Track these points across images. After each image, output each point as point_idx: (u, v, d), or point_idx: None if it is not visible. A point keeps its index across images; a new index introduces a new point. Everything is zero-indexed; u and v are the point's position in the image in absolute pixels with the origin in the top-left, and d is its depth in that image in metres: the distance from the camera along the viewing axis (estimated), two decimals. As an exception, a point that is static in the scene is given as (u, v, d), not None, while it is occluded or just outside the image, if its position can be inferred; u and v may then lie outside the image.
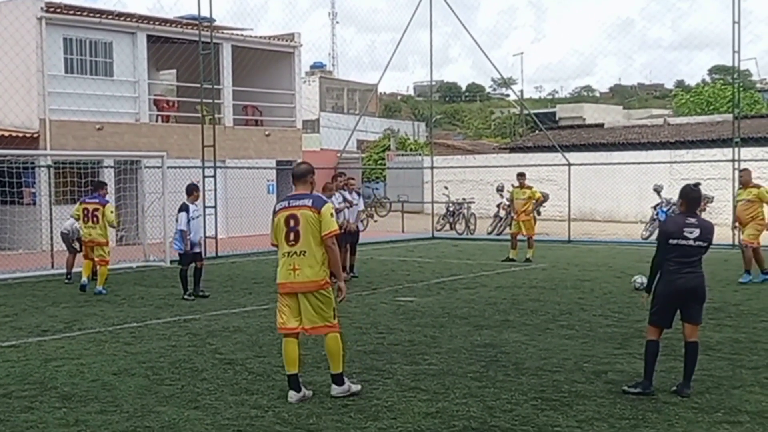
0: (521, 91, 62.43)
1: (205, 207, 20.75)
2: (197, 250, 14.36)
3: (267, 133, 30.10)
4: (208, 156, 21.95)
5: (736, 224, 15.45)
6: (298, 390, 7.48)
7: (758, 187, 15.29)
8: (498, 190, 28.08)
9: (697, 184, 7.85)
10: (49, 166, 21.52)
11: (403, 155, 44.92)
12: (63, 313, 12.71)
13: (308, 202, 7.51)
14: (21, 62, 23.94)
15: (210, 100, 23.68)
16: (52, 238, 19.16)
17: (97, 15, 25.74)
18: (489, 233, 27.74)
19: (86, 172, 22.25)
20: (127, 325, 11.52)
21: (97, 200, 15.34)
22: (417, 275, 17.08)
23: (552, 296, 13.77)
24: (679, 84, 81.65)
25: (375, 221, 32.24)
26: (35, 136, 23.95)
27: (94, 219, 15.14)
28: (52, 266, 18.19)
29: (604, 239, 24.92)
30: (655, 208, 25.80)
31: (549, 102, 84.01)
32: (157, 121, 27.95)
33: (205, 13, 23.07)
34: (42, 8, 24.10)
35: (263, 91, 30.45)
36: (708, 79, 73.11)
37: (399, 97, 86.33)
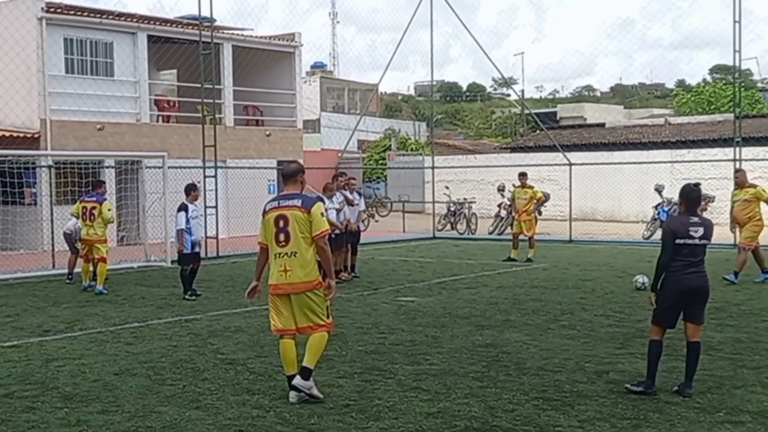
0: (522, 91, 62.45)
1: (206, 207, 20.78)
2: (197, 250, 14.41)
3: (268, 133, 30.10)
4: (208, 156, 21.95)
5: (734, 225, 15.35)
6: (299, 390, 7.48)
7: (754, 186, 15.27)
8: (499, 189, 28.06)
9: (697, 184, 7.85)
10: (49, 167, 21.52)
11: (404, 155, 44.92)
12: (64, 313, 12.72)
13: (298, 202, 7.45)
14: (21, 62, 23.94)
15: (211, 100, 23.69)
16: (53, 239, 19.17)
17: (98, 15, 25.74)
18: (490, 233, 27.73)
19: (87, 173, 22.24)
20: (129, 325, 11.52)
21: (94, 199, 15.46)
22: (418, 275, 17.08)
23: (553, 296, 13.77)
24: (680, 83, 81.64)
25: (376, 221, 32.25)
26: (36, 136, 23.96)
27: (92, 217, 15.29)
28: (53, 266, 18.20)
29: (606, 239, 24.91)
30: (656, 207, 25.78)
31: (550, 102, 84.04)
32: (157, 121, 27.96)
33: (205, 13, 23.09)
34: (42, 8, 24.10)
35: (264, 91, 30.45)
36: (709, 78, 73.13)
37: (400, 97, 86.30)
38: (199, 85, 23.02)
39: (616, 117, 53.33)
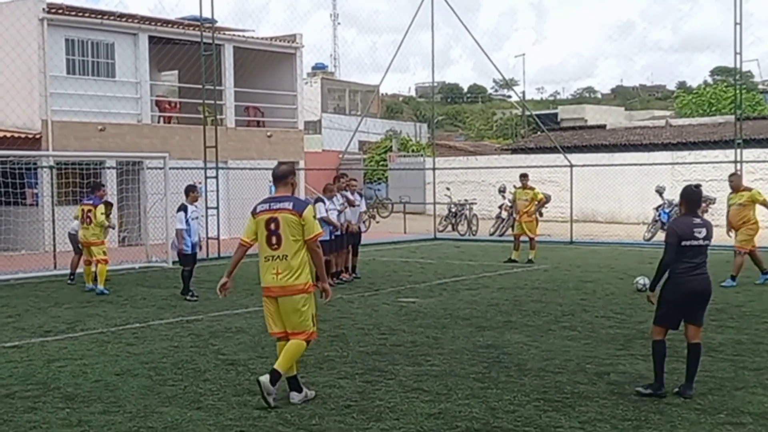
0: (523, 93, 62.50)
1: (207, 208, 20.81)
2: (195, 251, 14.49)
3: (269, 134, 30.11)
4: (210, 157, 21.96)
5: (730, 229, 15.30)
6: (299, 390, 7.48)
7: (749, 189, 15.26)
8: (500, 191, 28.09)
9: (698, 185, 7.86)
10: (51, 167, 21.53)
11: (405, 156, 44.93)
12: (66, 313, 12.72)
13: (289, 205, 7.40)
14: (23, 63, 23.96)
15: (212, 101, 23.70)
16: (54, 239, 19.18)
17: (99, 16, 25.75)
18: (491, 234, 27.72)
19: (88, 173, 22.25)
20: (130, 326, 11.53)
21: (91, 202, 15.60)
22: (419, 276, 17.08)
23: (554, 297, 13.77)
24: (681, 85, 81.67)
25: (377, 222, 32.25)
26: (37, 136, 23.97)
27: (88, 220, 15.44)
28: (55, 267, 18.21)
29: (606, 240, 24.91)
30: (657, 209, 25.81)
31: (551, 103, 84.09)
32: (159, 122, 27.97)
33: (206, 14, 23.13)
34: (44, 9, 24.12)
35: (265, 92, 30.46)
36: (710, 80, 73.14)
37: (401, 99, 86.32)
38: (200, 86, 23.03)
39: (616, 118, 53.34)
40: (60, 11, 24.76)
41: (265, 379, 7.23)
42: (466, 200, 30.81)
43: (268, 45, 30.78)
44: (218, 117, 26.37)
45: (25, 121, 24.18)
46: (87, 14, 25.60)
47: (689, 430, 6.62)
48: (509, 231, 24.64)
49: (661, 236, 21.53)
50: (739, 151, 22.80)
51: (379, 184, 43.36)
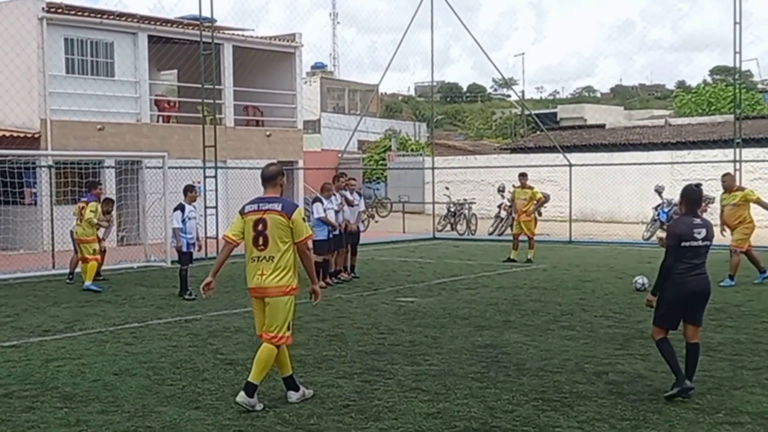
0: (522, 92, 62.47)
1: (206, 207, 20.80)
2: (191, 250, 14.61)
3: (268, 133, 30.10)
4: (209, 156, 21.94)
5: (724, 228, 15.27)
6: (296, 389, 7.48)
7: (742, 189, 15.26)
8: (499, 190, 28.07)
9: (698, 185, 7.84)
10: (50, 167, 21.52)
11: (404, 156, 44.91)
12: (64, 313, 12.72)
13: (278, 206, 7.33)
14: (22, 62, 23.95)
15: (211, 101, 23.68)
16: (53, 239, 19.18)
17: (98, 15, 25.74)
18: (490, 234, 27.72)
19: (87, 173, 22.22)
20: (128, 326, 11.52)
21: (85, 199, 15.82)
22: (418, 276, 17.08)
23: (553, 297, 13.77)
24: (680, 85, 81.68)
25: (376, 222, 32.24)
26: (36, 136, 23.96)
27: (81, 217, 15.64)
28: (53, 266, 18.21)
29: (606, 240, 24.91)
30: (656, 208, 25.80)
31: (550, 103, 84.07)
32: (158, 121, 27.96)
33: (206, 13, 23.09)
34: (43, 8, 24.10)
35: (264, 92, 30.45)
36: (709, 79, 73.13)
37: (400, 98, 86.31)
38: (199, 86, 23.01)
39: (616, 118, 53.32)
40: (59, 10, 24.74)
41: (241, 398, 7.16)
42: (465, 200, 30.82)
43: (267, 44, 30.78)
44: (217, 116, 26.36)
45: (24, 120, 24.17)
46: (86, 13, 25.59)
47: (688, 429, 6.62)
48: (508, 230, 24.62)
49: (659, 236, 21.53)
50: (738, 150, 22.81)
51: (378, 183, 43.36)
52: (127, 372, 8.66)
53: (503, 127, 67.18)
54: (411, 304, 13.14)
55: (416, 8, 27.58)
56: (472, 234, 28.59)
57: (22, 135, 23.50)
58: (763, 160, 27.18)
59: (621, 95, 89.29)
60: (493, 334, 10.54)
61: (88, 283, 15.10)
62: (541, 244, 21.15)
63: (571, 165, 26.03)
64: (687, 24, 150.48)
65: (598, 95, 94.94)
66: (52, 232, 19.25)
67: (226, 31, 29.42)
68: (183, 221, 14.36)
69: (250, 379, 7.23)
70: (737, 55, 22.91)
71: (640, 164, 29.13)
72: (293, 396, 7.44)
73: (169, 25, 27.80)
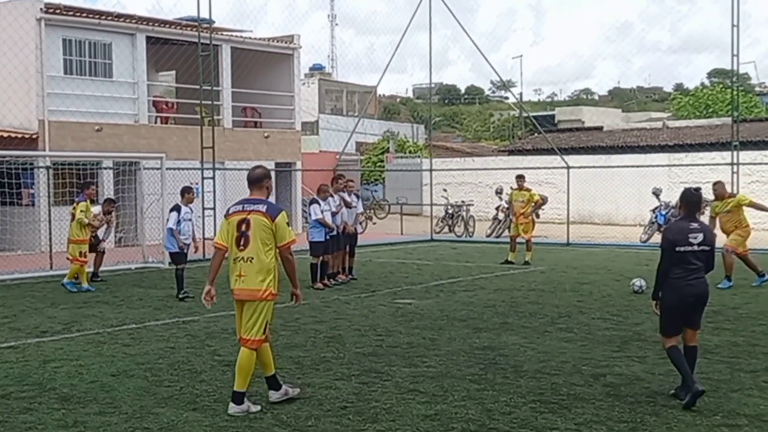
0: (520, 94, 62.60)
1: (203, 209, 20.79)
2: (186, 251, 14.67)
3: (266, 134, 30.10)
4: (207, 157, 21.95)
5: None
6: (278, 388, 7.45)
7: (733, 195, 15.30)
8: (497, 192, 28.10)
9: (698, 189, 7.83)
10: (48, 167, 21.52)
11: (402, 157, 44.93)
12: (62, 314, 12.71)
13: (262, 208, 7.30)
14: (20, 63, 23.94)
15: (209, 102, 23.68)
16: (50, 240, 19.16)
17: (97, 16, 25.74)
18: (488, 236, 27.74)
19: (85, 174, 22.24)
20: (126, 327, 11.52)
21: (77, 200, 15.92)
22: (416, 277, 17.09)
23: (551, 299, 13.78)
24: (678, 87, 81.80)
25: (374, 223, 32.25)
26: (34, 137, 23.95)
27: (73, 218, 15.72)
28: (51, 267, 18.19)
29: (603, 242, 24.93)
30: (654, 211, 25.82)
31: (548, 105, 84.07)
32: (156, 122, 27.96)
33: (204, 14, 23.10)
34: (41, 9, 24.10)
35: (262, 93, 30.45)
36: (707, 82, 73.25)
37: (398, 99, 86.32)
38: (197, 87, 23.02)
39: (614, 120, 53.36)
40: (57, 11, 24.74)
41: (233, 409, 7.15)
42: (462, 201, 30.82)
43: (265, 46, 30.78)
44: (215, 117, 26.34)
45: (22, 121, 24.15)
46: (84, 14, 25.59)
47: (685, 432, 6.63)
48: (506, 232, 24.64)
49: (657, 238, 21.56)
50: (735, 153, 22.83)
51: (376, 185, 43.36)
52: (124, 373, 8.66)
53: (501, 129, 67.20)
54: (409, 306, 13.14)
55: (415, 10, 27.62)
56: (470, 236, 28.60)
57: (19, 136, 23.49)
58: (760, 163, 27.19)
59: (619, 97, 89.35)
60: (490, 336, 10.55)
61: (65, 279, 15.30)
62: (538, 246, 21.16)
63: (568, 167, 26.05)
64: (685, 26, 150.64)
65: (596, 97, 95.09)
66: (50, 233, 19.23)
67: (225, 33, 29.43)
68: (178, 222, 14.41)
69: (235, 388, 7.22)
70: (735, 58, 22.95)
71: (638, 167, 29.16)
72: (274, 395, 7.42)
73: (167, 26, 27.80)
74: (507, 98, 78.18)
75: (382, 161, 45.21)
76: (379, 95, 69.55)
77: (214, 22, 25.07)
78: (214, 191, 22.24)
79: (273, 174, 28.73)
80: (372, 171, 43.99)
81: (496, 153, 45.37)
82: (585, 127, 47.25)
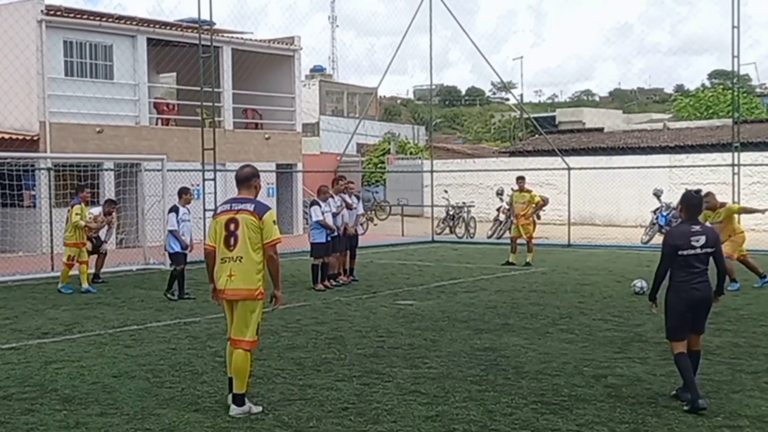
0: (521, 95, 62.55)
1: (204, 210, 20.79)
2: (185, 251, 14.72)
3: (267, 136, 30.11)
4: (208, 159, 21.95)
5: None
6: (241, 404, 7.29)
7: (723, 204, 15.31)
8: (498, 193, 28.10)
9: (698, 191, 7.81)
10: (49, 169, 21.52)
11: (403, 159, 44.94)
12: (63, 315, 12.72)
13: (250, 207, 7.28)
14: (21, 65, 23.96)
15: (210, 103, 23.68)
16: (52, 241, 19.17)
17: (98, 18, 25.76)
18: (489, 237, 27.74)
19: (86, 175, 22.25)
20: (127, 328, 11.53)
21: (73, 203, 15.90)
22: (417, 279, 17.09)
23: (552, 300, 13.78)
24: (679, 88, 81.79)
25: (375, 225, 32.27)
26: (35, 138, 23.96)
27: (67, 221, 15.77)
28: (52, 269, 18.19)
29: (604, 243, 24.93)
30: (654, 212, 25.83)
31: (549, 106, 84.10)
32: (157, 124, 27.97)
33: (205, 16, 23.08)
34: (42, 11, 24.12)
35: (263, 95, 30.46)
36: (707, 83, 73.24)
37: (399, 101, 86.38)
38: (198, 88, 23.02)
39: (614, 121, 53.36)
40: (58, 13, 24.76)
41: (234, 411, 7.14)
42: (463, 203, 30.82)
43: (266, 47, 30.79)
44: (216, 119, 26.36)
45: (23, 122, 24.17)
46: (85, 16, 25.61)
47: (686, 433, 6.63)
48: (507, 234, 24.64)
49: (658, 239, 21.56)
50: (736, 154, 22.83)
51: (377, 186, 43.38)
52: (126, 374, 8.66)
53: (502, 131, 67.23)
54: (410, 307, 13.15)
55: (415, 11, 27.62)
56: (471, 237, 28.60)
57: (21, 137, 23.50)
58: (761, 164, 27.18)
59: (620, 99, 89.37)
60: (491, 337, 10.55)
61: (60, 284, 15.38)
62: (539, 247, 21.16)
63: (569, 168, 26.05)
64: (686, 27, 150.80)
65: (597, 99, 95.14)
66: (51, 235, 19.24)
67: (225, 34, 29.44)
68: (177, 223, 14.46)
69: (234, 391, 7.21)
70: (736, 59, 22.93)
71: (639, 168, 29.17)
72: (235, 410, 7.22)
73: (168, 27, 27.82)
74: (507, 99, 78.27)
75: (383, 163, 45.23)
76: (380, 97, 69.61)
77: (214, 23, 25.08)
78: (215, 193, 22.23)
79: (274, 176, 28.97)
80: (373, 172, 44.00)
81: (496, 154, 45.40)
82: (586, 128, 47.25)
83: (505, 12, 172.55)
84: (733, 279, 14.67)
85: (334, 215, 15.87)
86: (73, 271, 16.04)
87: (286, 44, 31.39)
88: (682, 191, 8.22)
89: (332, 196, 16.05)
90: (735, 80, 25.17)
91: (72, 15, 25.24)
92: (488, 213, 31.43)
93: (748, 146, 27.18)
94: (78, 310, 13.19)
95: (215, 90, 24.79)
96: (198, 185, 22.09)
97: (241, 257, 7.19)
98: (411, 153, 47.21)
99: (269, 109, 30.93)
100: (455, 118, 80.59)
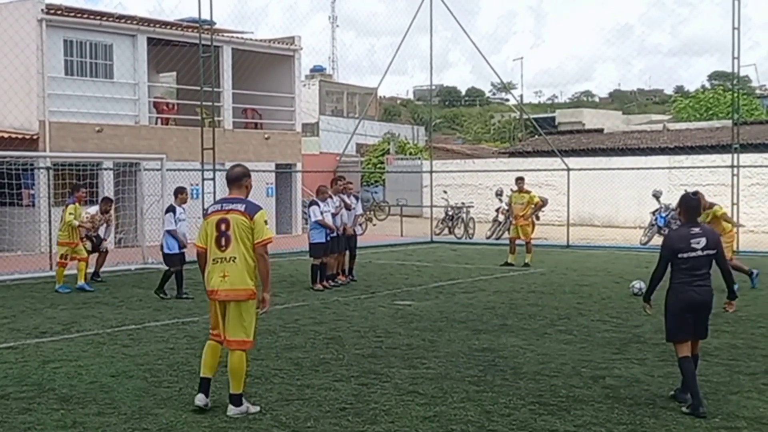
0: (521, 96, 62.59)
1: (204, 210, 20.76)
2: (182, 251, 14.74)
3: (266, 136, 30.11)
4: (207, 159, 21.94)
5: None
6: (207, 395, 7.29)
7: (711, 206, 15.32)
8: (497, 194, 28.10)
9: (696, 192, 7.79)
10: (48, 168, 21.51)
11: (402, 159, 44.96)
12: (61, 314, 12.71)
13: (241, 207, 7.24)
14: (21, 64, 23.95)
15: (210, 103, 23.67)
16: (50, 240, 19.15)
17: (98, 17, 25.75)
18: (488, 238, 27.74)
19: (85, 174, 22.24)
20: (126, 328, 11.52)
21: (68, 202, 15.96)
22: (415, 279, 17.09)
23: (550, 301, 13.78)
24: (679, 89, 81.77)
25: (374, 225, 32.27)
26: (35, 137, 23.96)
27: (61, 221, 15.80)
28: (51, 268, 18.17)
29: (603, 244, 24.93)
30: (654, 213, 25.84)
31: (548, 107, 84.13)
32: (156, 123, 27.96)
33: (205, 16, 23.06)
34: (42, 10, 24.11)
35: (263, 94, 30.45)
36: (707, 84, 73.26)
37: (398, 101, 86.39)
38: (198, 88, 23.01)
39: (614, 122, 53.39)
40: (59, 12, 24.75)
41: (231, 411, 7.12)
42: (463, 203, 30.83)
43: (266, 47, 30.79)
44: (216, 119, 26.35)
45: (23, 121, 24.16)
46: (86, 15, 25.60)
47: (684, 434, 6.62)
48: (506, 234, 24.65)
49: (657, 240, 21.56)
50: (736, 155, 22.84)
51: (377, 186, 43.39)
52: (123, 374, 8.65)
53: (501, 131, 67.28)
54: (408, 308, 13.15)
55: (415, 11, 27.62)
56: (470, 238, 28.60)
57: (20, 136, 23.49)
58: (760, 166, 27.22)
59: (619, 100, 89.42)
60: (490, 337, 10.55)
61: (57, 285, 15.37)
62: (538, 248, 21.17)
63: (569, 169, 26.05)
64: (686, 29, 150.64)
65: (597, 100, 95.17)
66: (50, 234, 19.22)
67: (226, 34, 29.44)
68: (174, 222, 14.48)
69: (231, 391, 7.19)
70: (736, 61, 22.93)
71: (638, 169, 29.19)
72: (201, 400, 7.23)
73: (168, 27, 27.81)
74: (507, 100, 78.33)
75: (382, 163, 45.25)
76: (380, 97, 69.61)
77: (215, 23, 25.07)
78: (215, 192, 22.21)
79: (273, 176, 28.96)
80: (372, 172, 44.01)
81: (496, 155, 45.42)
82: (585, 129, 47.28)
83: (506, 13, 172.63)
84: (748, 273, 14.75)
85: (333, 215, 15.87)
86: (70, 271, 16.07)
87: (286, 44, 31.38)
88: (681, 192, 8.21)
89: (331, 196, 16.05)
90: (735, 81, 25.17)
91: (72, 14, 25.23)
92: (487, 213, 31.44)
93: (747, 148, 27.19)
94: (76, 310, 13.18)
95: (215, 90, 24.78)
96: (197, 185, 22.09)
97: (235, 258, 7.16)
98: (410, 153, 47.23)
99: (269, 109, 30.93)
100: (455, 118, 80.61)
